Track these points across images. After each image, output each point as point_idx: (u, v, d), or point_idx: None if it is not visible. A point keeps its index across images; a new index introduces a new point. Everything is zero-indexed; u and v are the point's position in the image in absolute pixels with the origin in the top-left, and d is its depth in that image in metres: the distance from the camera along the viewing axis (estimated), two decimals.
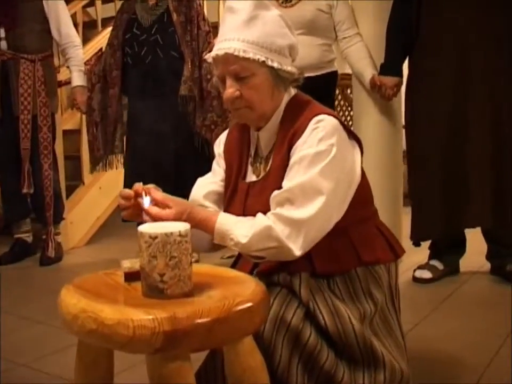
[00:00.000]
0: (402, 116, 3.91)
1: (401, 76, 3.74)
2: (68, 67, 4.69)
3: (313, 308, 1.82)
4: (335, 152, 1.76)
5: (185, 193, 2.04)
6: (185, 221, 1.67)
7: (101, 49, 5.23)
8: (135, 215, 1.75)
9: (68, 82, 4.89)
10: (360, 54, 3.90)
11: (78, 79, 4.56)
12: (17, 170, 4.49)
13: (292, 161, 1.79)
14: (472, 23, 3.38)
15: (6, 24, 4.40)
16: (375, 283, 1.93)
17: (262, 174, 1.93)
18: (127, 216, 1.78)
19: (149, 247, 1.49)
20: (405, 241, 3.62)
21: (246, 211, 1.89)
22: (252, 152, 1.98)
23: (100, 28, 6.36)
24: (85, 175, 5.20)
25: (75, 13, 6.17)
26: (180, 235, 1.50)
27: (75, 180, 5.27)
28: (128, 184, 4.07)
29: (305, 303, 1.81)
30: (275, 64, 1.81)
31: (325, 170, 1.74)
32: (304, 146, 1.78)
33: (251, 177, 1.97)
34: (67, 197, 5.00)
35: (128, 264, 1.69)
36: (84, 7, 6.85)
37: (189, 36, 4.00)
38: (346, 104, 5.83)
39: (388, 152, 3.96)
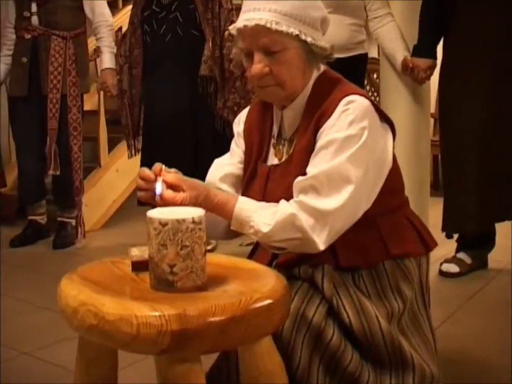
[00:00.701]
0: (431, 104, 3.74)
1: (435, 58, 3.55)
2: (98, 47, 4.55)
3: (336, 305, 1.67)
4: (366, 136, 1.63)
5: (205, 177, 1.92)
6: (200, 204, 1.54)
7: (120, 28, 5.08)
8: (152, 198, 1.59)
9: (90, 60, 4.76)
10: (392, 34, 3.71)
11: (109, 61, 4.39)
12: (37, 151, 4.36)
13: (318, 145, 1.66)
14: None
15: None
16: (404, 278, 1.79)
17: (285, 157, 1.79)
18: (144, 198, 1.62)
19: (158, 234, 1.35)
20: (432, 232, 3.45)
21: (266, 196, 1.75)
22: (275, 132, 1.83)
23: (120, 6, 6.22)
24: (102, 157, 5.10)
25: None
26: (194, 222, 1.35)
27: (91, 162, 5.17)
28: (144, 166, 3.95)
29: (328, 298, 1.67)
30: (308, 39, 1.67)
31: (355, 157, 1.61)
32: (333, 130, 1.64)
33: (273, 160, 1.82)
34: (83, 179, 4.86)
35: (137, 252, 1.55)
36: None
37: (210, 14, 3.84)
38: (373, 90, 5.65)
39: (416, 140, 3.78)
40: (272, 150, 1.83)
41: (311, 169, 1.63)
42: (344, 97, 1.66)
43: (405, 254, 1.80)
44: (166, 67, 3.87)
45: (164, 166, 1.59)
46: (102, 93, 4.82)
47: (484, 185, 3.33)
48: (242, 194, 1.80)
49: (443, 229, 3.52)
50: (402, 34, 3.70)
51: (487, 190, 3.33)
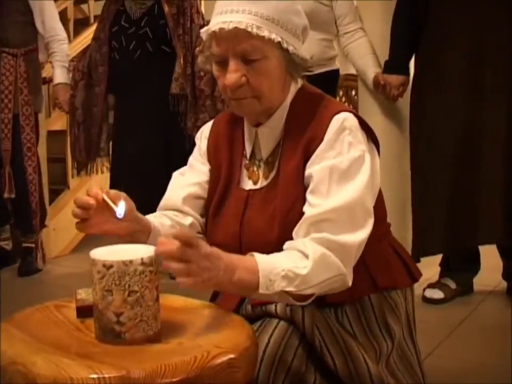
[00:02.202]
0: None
1: (407, 74, 3.42)
2: (50, 62, 4.36)
3: (319, 346, 1.49)
4: (368, 158, 1.49)
5: None
6: (221, 276, 1.28)
7: (89, 45, 4.89)
8: (97, 226, 1.41)
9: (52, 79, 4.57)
10: (363, 50, 3.58)
11: (61, 76, 4.20)
12: None
13: (314, 171, 1.48)
14: (486, 12, 3.04)
15: None
16: (391, 312, 1.64)
17: (262, 181, 1.61)
18: (85, 229, 1.44)
19: (102, 278, 1.17)
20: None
21: (244, 224, 1.58)
22: (247, 152, 1.65)
23: (91, 22, 6.05)
24: (70, 179, 4.89)
25: (66, 8, 5.88)
26: (143, 263, 1.17)
27: (60, 184, 4.95)
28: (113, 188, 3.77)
29: (309, 339, 1.49)
30: (290, 48, 1.50)
31: (367, 183, 1.47)
32: (331, 154, 1.48)
33: (247, 183, 1.64)
34: (50, 202, 4.67)
35: (83, 295, 1.36)
36: (77, 3, 6.57)
37: (181, 29, 3.67)
38: (351, 107, 5.50)
39: (395, 159, 3.64)
40: (245, 172, 1.65)
41: (320, 201, 1.45)
42: (333, 115, 1.51)
43: (392, 286, 1.65)
44: (135, 85, 3.70)
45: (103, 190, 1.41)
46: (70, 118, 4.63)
47: (456, 206, 3.17)
48: (212, 221, 1.63)
49: (412, 253, 3.35)
50: (374, 50, 3.58)
51: (460, 212, 3.16)
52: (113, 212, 1.38)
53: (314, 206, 1.45)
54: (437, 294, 3.36)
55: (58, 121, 5.17)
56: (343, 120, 1.50)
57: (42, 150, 4.52)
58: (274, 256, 1.39)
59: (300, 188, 1.51)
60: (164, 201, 1.72)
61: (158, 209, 1.72)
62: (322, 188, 1.46)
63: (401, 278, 1.69)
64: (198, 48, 3.62)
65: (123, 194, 1.46)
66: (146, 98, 3.68)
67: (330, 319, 1.55)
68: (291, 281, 1.35)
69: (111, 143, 3.95)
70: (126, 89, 3.74)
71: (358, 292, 1.55)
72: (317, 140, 1.50)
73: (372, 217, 1.48)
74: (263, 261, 1.35)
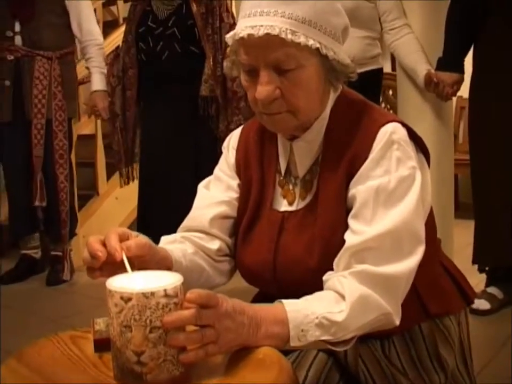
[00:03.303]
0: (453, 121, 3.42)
1: (462, 72, 3.26)
2: (87, 68, 4.24)
3: (365, 381, 1.34)
4: (419, 176, 1.32)
5: None
6: (244, 338, 1.13)
7: (118, 46, 4.78)
8: (108, 274, 1.19)
9: (84, 82, 4.46)
10: (411, 47, 3.41)
11: (99, 83, 4.08)
12: (27, 181, 4.04)
13: (358, 192, 1.32)
14: None
15: (21, 17, 3.95)
16: (444, 341, 1.46)
17: (299, 201, 1.44)
18: (94, 277, 1.26)
19: (120, 312, 1.02)
20: (457, 260, 3.10)
21: (279, 251, 1.41)
22: (282, 168, 1.48)
23: (120, 23, 5.95)
24: (100, 184, 4.82)
25: (95, 10, 5.76)
26: (166, 295, 1.02)
27: (89, 190, 4.87)
28: (142, 198, 3.66)
29: (353, 373, 1.33)
30: (330, 53, 1.32)
31: (416, 206, 1.29)
32: (377, 172, 1.31)
33: (281, 202, 1.47)
34: (80, 208, 4.58)
35: (102, 325, 1.21)
36: (106, 5, 6.47)
37: (210, 29, 3.52)
38: (388, 107, 5.31)
39: (439, 162, 3.46)
40: (279, 190, 1.48)
41: (363, 227, 1.28)
42: (379, 127, 1.33)
43: (446, 311, 1.48)
44: (163, 88, 3.57)
45: (114, 239, 1.20)
46: (90, 117, 4.53)
47: None
48: (241, 243, 1.47)
49: (474, 261, 3.18)
50: (422, 46, 3.41)
51: None
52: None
53: (356, 233, 1.29)
54: (483, 305, 3.17)
55: (88, 126, 5.10)
56: (391, 132, 1.33)
57: (71, 154, 4.41)
58: (306, 300, 1.23)
59: (342, 211, 1.34)
60: (188, 221, 1.55)
61: (181, 228, 1.55)
62: (366, 212, 1.29)
63: (455, 301, 1.52)
64: (228, 48, 3.47)
65: (146, 242, 1.27)
66: (175, 101, 3.55)
67: (376, 351, 1.39)
68: (326, 329, 1.19)
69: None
70: (153, 91, 3.61)
71: (408, 321, 1.36)
72: (361, 156, 1.33)
73: (422, 244, 1.30)
74: (293, 309, 1.19)
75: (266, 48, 1.28)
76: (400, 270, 1.26)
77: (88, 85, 4.41)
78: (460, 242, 3.13)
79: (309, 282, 1.31)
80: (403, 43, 3.44)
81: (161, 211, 3.45)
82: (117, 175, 4.85)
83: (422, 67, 3.36)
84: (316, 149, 1.41)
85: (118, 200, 4.85)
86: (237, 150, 1.56)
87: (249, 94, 1.36)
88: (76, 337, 1.24)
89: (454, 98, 3.50)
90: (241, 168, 1.53)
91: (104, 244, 1.19)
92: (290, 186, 1.46)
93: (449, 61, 3.21)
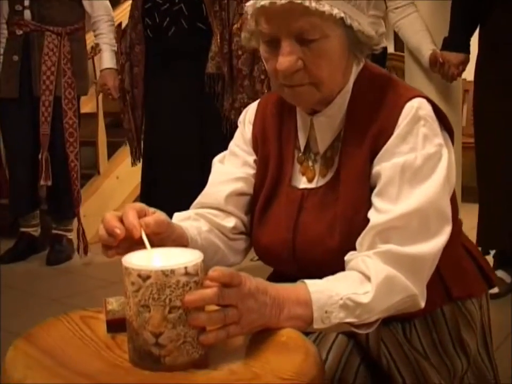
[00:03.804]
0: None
1: (468, 52, 3.20)
2: (97, 44, 4.16)
3: (387, 365, 1.28)
4: (446, 154, 1.27)
5: None
6: (246, 299, 1.05)
7: (120, 24, 4.69)
8: (124, 252, 1.10)
9: (89, 58, 4.38)
10: (416, 26, 3.35)
11: (110, 61, 4.01)
12: (30, 158, 3.98)
13: (383, 168, 1.26)
14: None
15: None
16: (466, 325, 1.41)
17: (319, 179, 1.37)
18: (110, 256, 1.19)
19: (137, 291, 0.96)
20: None
21: (298, 231, 1.35)
22: (301, 144, 1.41)
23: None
24: (101, 164, 4.76)
25: None
26: (187, 273, 0.96)
27: (90, 169, 4.80)
28: (146, 176, 3.59)
29: (375, 357, 1.28)
30: (355, 24, 1.24)
31: (443, 185, 1.24)
32: (403, 148, 1.25)
33: (300, 180, 1.40)
34: (81, 187, 4.48)
35: (114, 305, 1.15)
36: None
37: (218, 5, 3.43)
38: None
39: None
40: (297, 167, 1.41)
41: (388, 206, 1.23)
42: (405, 102, 1.27)
43: (468, 294, 1.43)
44: (170, 64, 3.50)
45: (134, 218, 1.12)
46: (101, 94, 4.44)
47: None
48: (258, 221, 1.41)
49: (478, 245, 3.12)
50: (427, 26, 3.34)
51: None
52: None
53: (381, 211, 1.23)
54: (491, 289, 3.11)
55: (88, 104, 5.01)
56: (417, 108, 1.27)
57: None
58: (330, 281, 1.17)
59: (365, 189, 1.28)
60: (203, 198, 1.48)
61: (194, 205, 1.49)
62: (392, 190, 1.23)
63: (477, 284, 1.47)
64: (235, 26, 3.41)
65: (164, 219, 1.21)
66: (181, 78, 3.48)
67: (398, 334, 1.33)
68: (351, 311, 1.14)
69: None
70: (160, 68, 3.54)
71: (430, 304, 1.29)
72: (386, 131, 1.27)
73: (448, 223, 1.25)
74: (316, 290, 1.13)
75: (289, 16, 1.21)
76: (426, 251, 1.21)
77: (89, 61, 4.36)
78: (464, 225, 3.08)
79: (329, 263, 1.26)
80: (408, 22, 3.38)
81: (166, 189, 3.40)
82: (117, 154, 4.83)
83: (427, 47, 3.30)
84: (337, 124, 1.35)
85: (119, 179, 4.78)
86: (254, 125, 1.49)
87: (268, 65, 1.29)
88: (87, 317, 1.18)
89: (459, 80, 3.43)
90: (258, 143, 1.47)
91: (121, 220, 1.12)
92: (310, 163, 1.40)
93: (455, 41, 3.16)
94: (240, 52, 3.44)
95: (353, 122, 1.32)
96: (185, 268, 0.95)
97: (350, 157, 1.31)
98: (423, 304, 1.22)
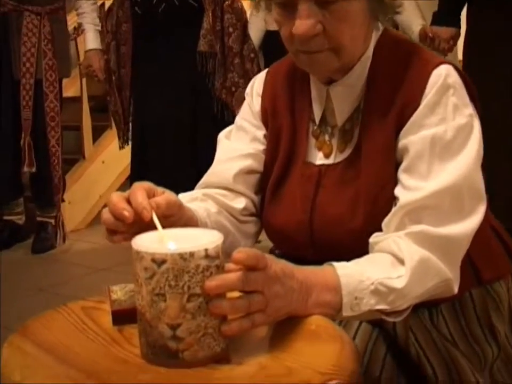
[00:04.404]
0: None
1: (458, 26, 3.11)
2: (80, 24, 4.01)
3: (416, 355, 1.17)
4: (478, 125, 1.16)
5: (205, 172, 1.39)
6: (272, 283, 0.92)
7: (103, 3, 4.53)
8: (131, 237, 0.95)
9: (72, 39, 4.24)
10: (405, 2, 3.23)
11: (94, 41, 3.86)
12: (11, 144, 3.83)
13: (411, 142, 1.15)
14: None
15: None
16: (495, 309, 1.30)
17: (337, 154, 1.26)
18: (115, 242, 1.03)
19: (151, 278, 0.83)
20: None
21: (315, 211, 1.23)
22: (317, 116, 1.29)
23: None
24: (86, 148, 4.63)
25: None
26: (207, 256, 0.84)
27: (75, 154, 4.67)
28: (135, 160, 3.48)
29: (403, 346, 1.17)
30: None
31: (476, 159, 1.14)
32: (432, 120, 1.14)
33: (316, 155, 1.28)
34: (65, 173, 4.37)
35: (119, 293, 1.03)
36: None
37: None
38: None
39: None
40: (312, 141, 1.29)
41: (418, 183, 1.12)
42: (432, 70, 1.16)
43: (497, 277, 1.32)
44: (159, 43, 3.38)
45: (142, 198, 0.99)
46: (84, 77, 4.30)
47: None
48: (270, 201, 1.29)
49: None
50: (416, 2, 3.32)
51: None
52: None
53: (410, 189, 1.13)
54: None
55: (71, 87, 4.89)
56: (446, 75, 1.16)
57: None
58: (359, 264, 1.06)
59: (390, 164, 1.17)
60: (209, 177, 1.36)
61: (200, 185, 1.37)
62: (421, 166, 1.13)
63: (505, 265, 1.35)
64: (227, 2, 3.30)
65: (176, 200, 1.08)
66: (171, 57, 3.37)
67: (426, 321, 1.22)
68: (383, 297, 1.03)
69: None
70: (148, 47, 3.42)
71: (460, 288, 1.18)
72: (412, 101, 1.16)
73: (483, 201, 1.15)
74: (345, 273, 1.02)
75: None
76: (461, 231, 1.11)
77: (72, 42, 4.22)
78: None
79: (351, 245, 1.16)
80: None
81: (158, 172, 3.28)
82: (103, 138, 4.72)
83: (417, 22, 3.25)
84: (357, 93, 1.24)
85: (105, 164, 4.66)
86: (263, 97, 1.37)
87: (283, 30, 1.18)
88: (88, 308, 1.05)
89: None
90: (268, 116, 1.34)
91: (128, 202, 0.99)
92: (326, 137, 1.28)
93: (445, 15, 3.07)
94: (231, 29, 3.34)
95: (374, 92, 1.21)
96: (206, 250, 0.83)
97: (372, 130, 1.20)
98: (456, 289, 1.12)
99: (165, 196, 1.04)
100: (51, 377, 0.82)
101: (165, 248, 0.84)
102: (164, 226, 0.93)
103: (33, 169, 3.77)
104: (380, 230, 1.14)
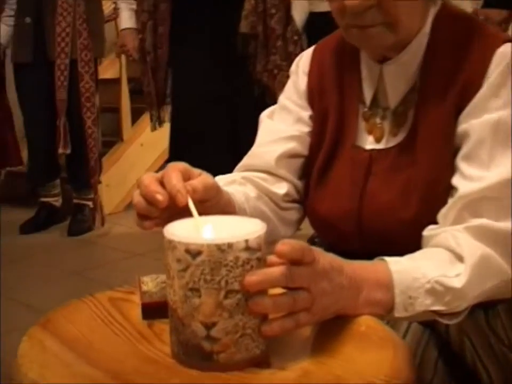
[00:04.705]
0: None
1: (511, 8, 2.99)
2: (115, 3, 3.97)
3: (471, 360, 1.07)
4: None
5: (241, 154, 1.30)
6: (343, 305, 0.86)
7: None
8: (163, 223, 0.86)
9: (108, 20, 4.17)
10: None
11: (128, 21, 3.77)
12: (48, 125, 3.78)
13: (472, 127, 1.05)
14: None
15: None
16: None
17: (389, 138, 1.16)
18: (151, 227, 0.93)
19: (184, 271, 0.75)
20: None
21: (365, 199, 1.14)
22: (367, 96, 1.19)
23: None
24: (124, 130, 4.57)
25: None
26: (248, 248, 0.75)
27: (113, 136, 4.62)
28: (173, 142, 3.40)
29: (457, 350, 1.08)
30: None
31: None
32: (495, 103, 1.04)
33: (366, 140, 1.19)
34: (103, 154, 4.34)
35: (150, 285, 0.95)
36: None
37: None
38: None
39: None
40: (362, 124, 1.20)
41: (479, 172, 1.03)
42: (495, 49, 1.06)
43: None
44: (198, 23, 3.27)
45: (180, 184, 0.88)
46: (124, 58, 4.25)
47: None
48: (315, 187, 1.20)
49: None
50: None
51: None
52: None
53: (470, 178, 1.03)
54: None
55: (110, 69, 4.84)
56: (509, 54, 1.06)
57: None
58: (413, 259, 0.96)
59: (448, 151, 1.08)
60: (250, 159, 1.27)
61: (240, 167, 1.28)
62: (483, 153, 1.03)
63: None
64: None
65: (214, 183, 0.98)
66: (210, 38, 3.26)
67: (482, 324, 1.12)
68: (439, 297, 0.93)
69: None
70: (187, 28, 3.32)
71: None
72: (474, 82, 1.06)
73: None
74: (399, 269, 0.92)
75: None
76: None
77: (111, 23, 4.16)
78: None
79: (402, 237, 1.07)
80: None
81: (197, 156, 3.20)
82: (141, 120, 4.65)
83: (466, 5, 3.09)
84: (412, 73, 1.14)
85: (143, 146, 4.60)
86: (309, 75, 1.27)
87: (334, 3, 1.09)
88: (117, 300, 0.97)
89: None
90: (315, 96, 1.25)
91: (162, 184, 0.90)
92: (378, 120, 1.18)
93: None
94: (273, 11, 3.22)
95: (432, 71, 1.12)
96: (246, 241, 0.74)
97: (429, 112, 1.10)
98: None
99: (201, 178, 0.95)
100: (71, 377, 0.74)
101: (201, 237, 0.76)
102: (199, 212, 0.84)
103: (68, 151, 3.73)
104: (434, 221, 1.05)
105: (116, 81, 4.60)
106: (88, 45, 3.73)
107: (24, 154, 4.47)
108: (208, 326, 0.75)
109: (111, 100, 4.59)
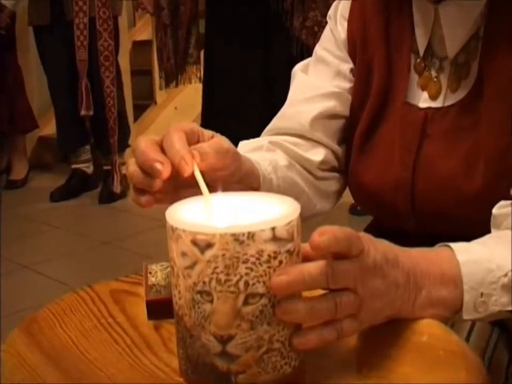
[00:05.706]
0: None
1: None
2: None
3: None
4: None
5: None
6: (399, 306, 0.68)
7: None
8: (166, 199, 0.75)
9: None
10: None
11: None
12: (73, 89, 3.68)
13: None
14: None
15: None
16: None
17: (448, 94, 0.99)
18: (149, 204, 0.77)
19: (191, 268, 0.57)
20: None
21: (418, 169, 0.98)
22: (421, 45, 1.01)
23: None
24: (158, 93, 4.47)
25: None
26: (275, 238, 0.56)
27: (146, 99, 4.51)
28: (207, 106, 3.25)
29: None
30: None
31: None
32: None
33: (419, 97, 1.01)
34: (136, 118, 4.21)
35: (159, 276, 0.77)
36: None
37: None
38: None
39: None
40: (415, 78, 1.02)
41: None
42: None
43: None
44: None
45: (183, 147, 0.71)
46: (137, 10, 4.19)
47: None
48: (358, 153, 1.04)
49: None
50: None
51: None
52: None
53: None
54: None
55: (144, 31, 4.74)
56: None
57: (125, 61, 4.12)
58: (487, 245, 0.76)
59: None
60: (280, 120, 1.10)
61: (268, 131, 1.11)
62: None
63: None
64: None
65: (229, 147, 0.79)
66: None
67: None
68: None
69: (202, 52, 3.41)
70: None
71: None
72: None
73: None
74: (468, 259, 0.73)
75: None
76: None
77: None
78: None
79: (464, 215, 0.92)
80: None
81: (230, 120, 3.05)
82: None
83: None
84: (475, 16, 0.95)
85: (177, 110, 4.53)
86: (349, 21, 1.09)
87: None
88: (120, 293, 0.80)
89: None
90: (357, 46, 1.07)
91: (163, 150, 0.72)
92: (433, 73, 1.00)
93: None
94: None
95: (499, 13, 0.93)
96: (273, 228, 0.56)
97: (497, 63, 0.92)
98: None
99: (213, 141, 0.76)
100: None
101: (212, 224, 0.57)
102: (210, 187, 0.66)
103: (91, 113, 3.63)
104: (505, 196, 0.86)
105: (149, 43, 4.50)
106: (106, 3, 3.64)
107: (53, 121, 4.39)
108: (224, 340, 0.57)
109: (144, 62, 4.50)
